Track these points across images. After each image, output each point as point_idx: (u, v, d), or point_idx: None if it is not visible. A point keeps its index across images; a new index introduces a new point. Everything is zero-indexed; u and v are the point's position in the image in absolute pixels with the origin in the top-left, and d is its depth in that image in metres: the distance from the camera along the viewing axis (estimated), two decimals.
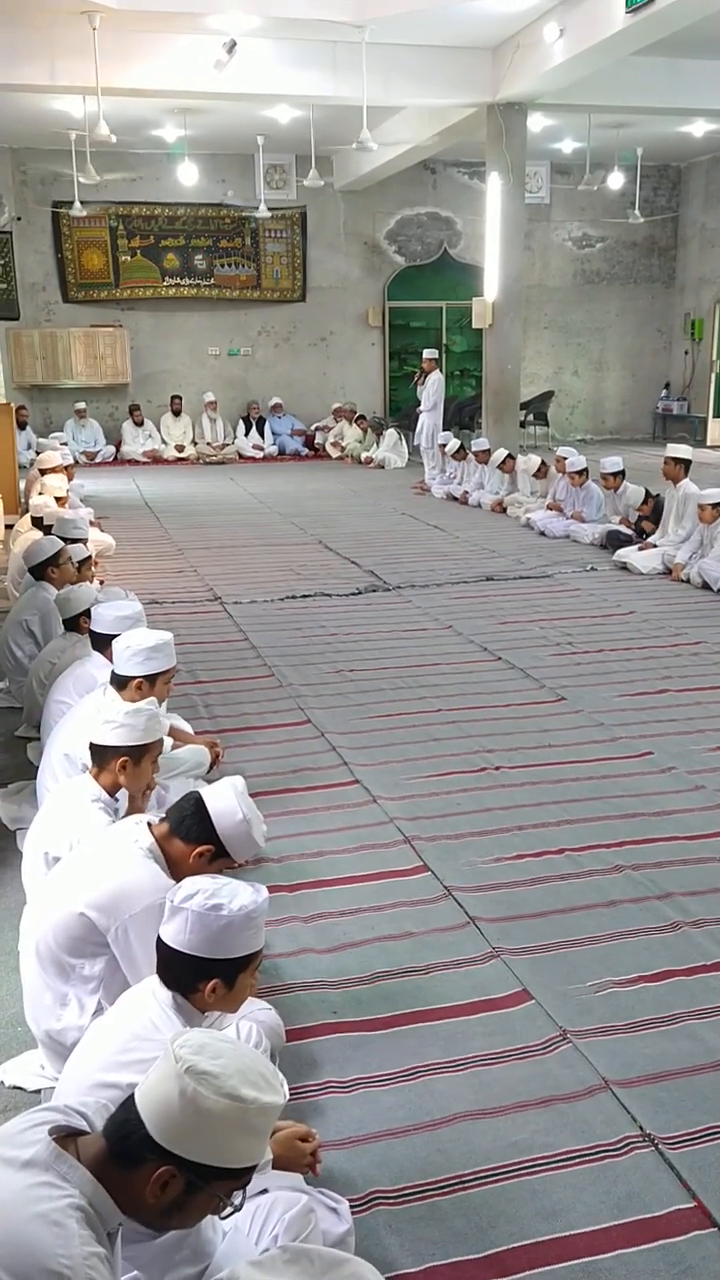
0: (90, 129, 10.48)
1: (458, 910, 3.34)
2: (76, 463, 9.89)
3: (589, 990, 2.91)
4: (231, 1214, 1.55)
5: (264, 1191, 1.96)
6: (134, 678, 3.49)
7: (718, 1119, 2.42)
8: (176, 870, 2.48)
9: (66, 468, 9.44)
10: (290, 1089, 2.50)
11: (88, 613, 4.42)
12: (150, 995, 2.07)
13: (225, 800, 2.48)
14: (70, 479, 9.20)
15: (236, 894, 2.03)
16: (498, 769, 4.45)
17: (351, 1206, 2.10)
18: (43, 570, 5.38)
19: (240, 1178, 1.52)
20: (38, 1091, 2.54)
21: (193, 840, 2.48)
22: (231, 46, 9.99)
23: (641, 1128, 2.40)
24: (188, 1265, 1.78)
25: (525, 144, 12.31)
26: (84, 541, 6.05)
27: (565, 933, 3.19)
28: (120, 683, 3.51)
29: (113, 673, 3.55)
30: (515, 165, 12.10)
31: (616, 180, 15.64)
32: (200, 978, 2.02)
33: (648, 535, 8.56)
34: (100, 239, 15.94)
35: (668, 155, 16.69)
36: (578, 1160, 2.31)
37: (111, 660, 3.64)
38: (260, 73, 10.70)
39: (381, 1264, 2.05)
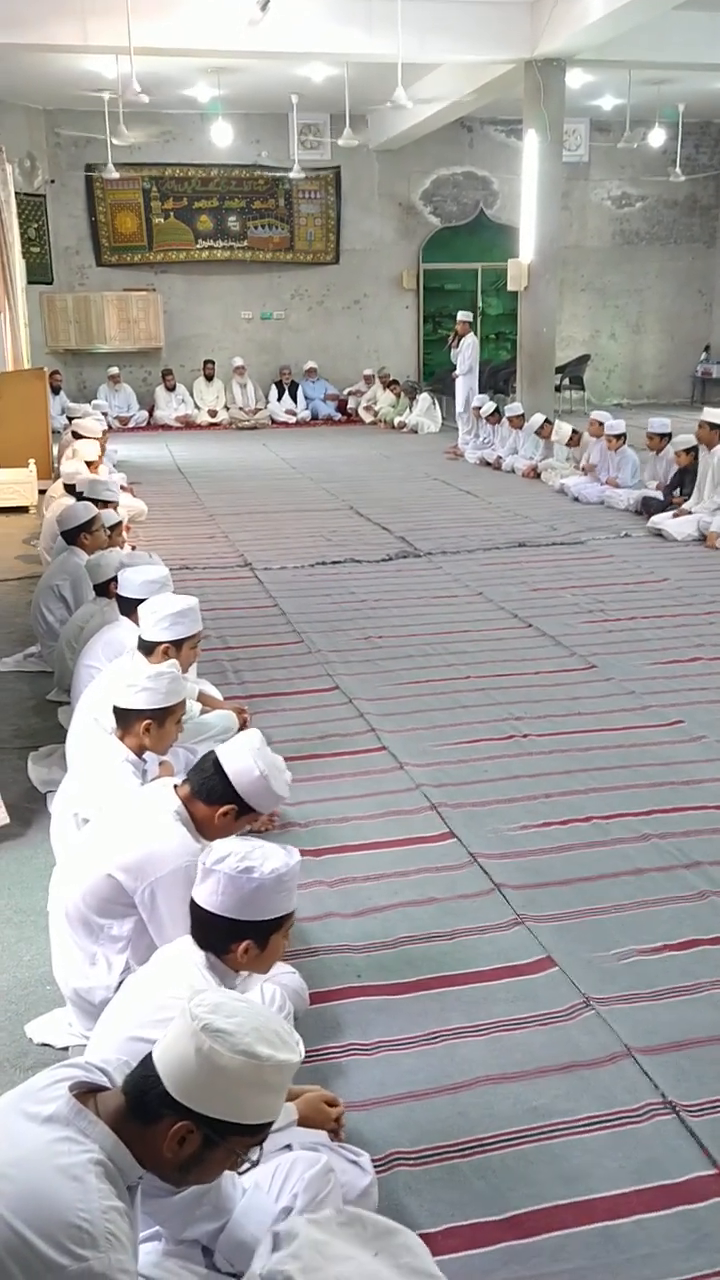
0: (123, 89, 10.38)
1: (483, 877, 3.34)
2: (110, 429, 9.86)
3: (613, 958, 2.91)
4: (249, 1169, 1.58)
5: (287, 1147, 1.99)
6: (160, 643, 3.50)
7: None
8: (205, 831, 2.51)
9: (101, 434, 9.43)
10: (313, 1051, 2.53)
11: (117, 578, 4.43)
12: (185, 955, 2.09)
13: (241, 759, 2.49)
14: (104, 446, 9.19)
15: (268, 857, 2.04)
16: (525, 736, 4.43)
17: (373, 1166, 2.12)
18: (75, 536, 5.40)
19: (257, 1134, 1.54)
20: (65, 1048, 2.58)
21: (215, 801, 2.50)
22: (265, 3, 9.83)
23: (663, 1095, 2.40)
24: (208, 1220, 1.81)
25: (564, 101, 12.05)
26: (114, 505, 6.05)
27: (591, 900, 3.19)
28: (147, 648, 3.52)
29: (139, 638, 3.57)
30: (553, 123, 11.85)
31: (657, 138, 15.30)
32: (233, 939, 2.04)
33: (682, 495, 8.43)
34: (134, 201, 15.84)
35: (710, 112, 16.27)
36: (598, 1126, 2.32)
37: (139, 625, 3.66)
38: (294, 30, 10.52)
39: (401, 1223, 2.07)
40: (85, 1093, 1.52)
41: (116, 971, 2.52)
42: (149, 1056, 1.53)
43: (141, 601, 3.72)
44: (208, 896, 2.04)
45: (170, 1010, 1.94)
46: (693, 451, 8.48)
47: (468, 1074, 2.48)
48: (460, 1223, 2.09)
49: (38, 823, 3.71)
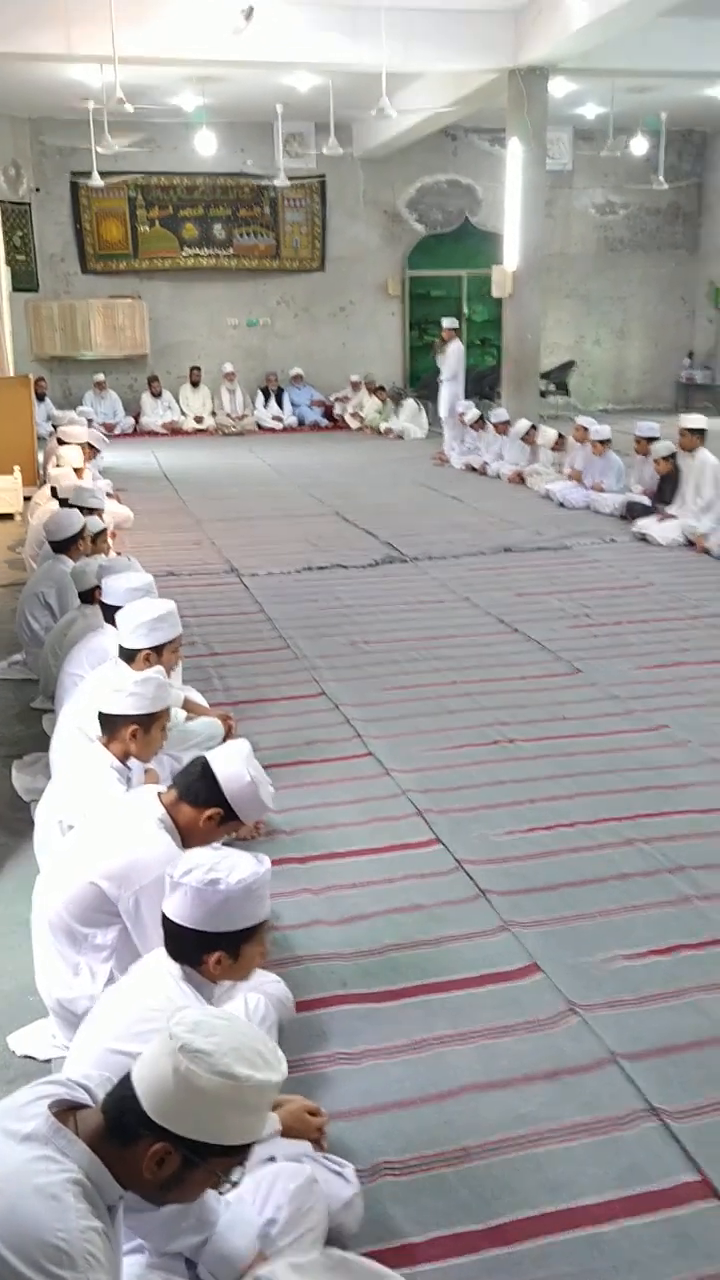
0: (107, 98, 10.38)
1: (468, 883, 3.33)
2: (96, 450, 9.85)
3: (598, 964, 2.90)
4: (231, 1190, 1.55)
5: (271, 1159, 1.98)
6: (141, 650, 3.48)
7: None
8: (188, 836, 2.49)
9: (87, 445, 9.41)
10: (298, 1060, 2.51)
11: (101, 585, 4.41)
12: (161, 968, 2.08)
13: (232, 764, 2.49)
14: (89, 459, 9.16)
15: (236, 867, 2.02)
16: (511, 742, 4.43)
17: (358, 1177, 2.10)
18: (67, 545, 5.37)
19: (237, 1155, 1.51)
20: (48, 1061, 2.56)
21: (201, 804, 2.49)
22: (249, 13, 9.84)
23: (648, 1101, 2.39)
24: (192, 1234, 1.79)
25: (547, 109, 12.10)
26: (99, 512, 6.03)
27: (576, 906, 3.18)
28: (128, 656, 3.50)
29: (120, 646, 3.55)
30: (536, 131, 11.90)
31: (640, 146, 15.36)
32: (203, 950, 2.03)
33: (667, 504, 8.45)
34: (119, 209, 15.83)
35: (692, 120, 16.36)
36: (583, 1133, 2.31)
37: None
38: (278, 39, 10.54)
39: (386, 1233, 2.07)
40: (65, 1110, 1.50)
41: (100, 981, 2.49)
42: (128, 1076, 1.51)
43: None
44: (176, 909, 2.03)
45: (149, 1022, 1.93)
46: (671, 458, 8.51)
47: (454, 1082, 2.47)
48: (445, 1232, 2.08)
49: (22, 832, 3.68)
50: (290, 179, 15.13)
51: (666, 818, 3.74)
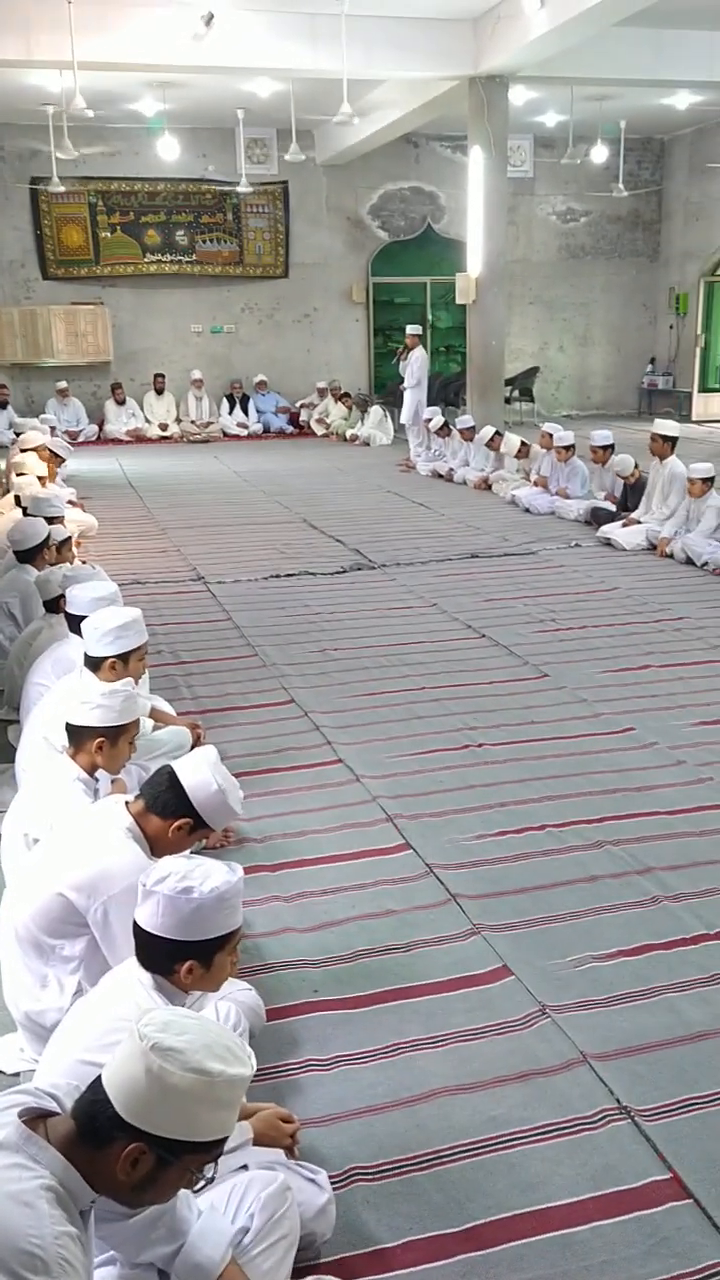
0: (67, 104, 10.34)
1: (439, 888, 3.34)
2: (60, 459, 9.80)
3: (568, 965, 2.92)
4: (205, 1187, 1.56)
5: (244, 1168, 1.98)
6: (107, 658, 3.47)
7: (694, 1090, 2.45)
8: (156, 846, 2.49)
9: (53, 455, 9.35)
10: (270, 1068, 2.52)
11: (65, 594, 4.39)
12: (132, 977, 2.07)
13: (199, 772, 2.48)
14: (54, 468, 9.10)
15: (209, 875, 2.03)
16: (480, 746, 4.45)
17: (331, 1183, 2.11)
18: (33, 555, 5.34)
19: (211, 1150, 1.53)
20: (17, 1074, 2.54)
21: (169, 814, 2.48)
22: (209, 19, 9.86)
23: (618, 1100, 2.42)
24: (163, 1244, 1.79)
25: (507, 117, 12.19)
26: (62, 520, 6.00)
27: (546, 908, 3.20)
28: (94, 664, 3.49)
29: (85, 654, 3.54)
30: (497, 139, 11.99)
31: (600, 154, 15.51)
32: (175, 959, 2.03)
33: (631, 511, 8.55)
34: (80, 215, 15.75)
35: (651, 128, 16.56)
36: (555, 1134, 2.33)
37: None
38: (239, 45, 10.55)
39: (359, 1239, 2.07)
40: (35, 1119, 1.50)
41: (69, 993, 2.48)
42: (98, 1079, 1.52)
43: None
44: (148, 918, 2.03)
45: (119, 1033, 1.92)
46: (636, 469, 8.62)
47: (426, 1086, 2.48)
48: (419, 1236, 2.09)
49: None
50: (252, 185, 15.15)
51: (634, 819, 3.77)
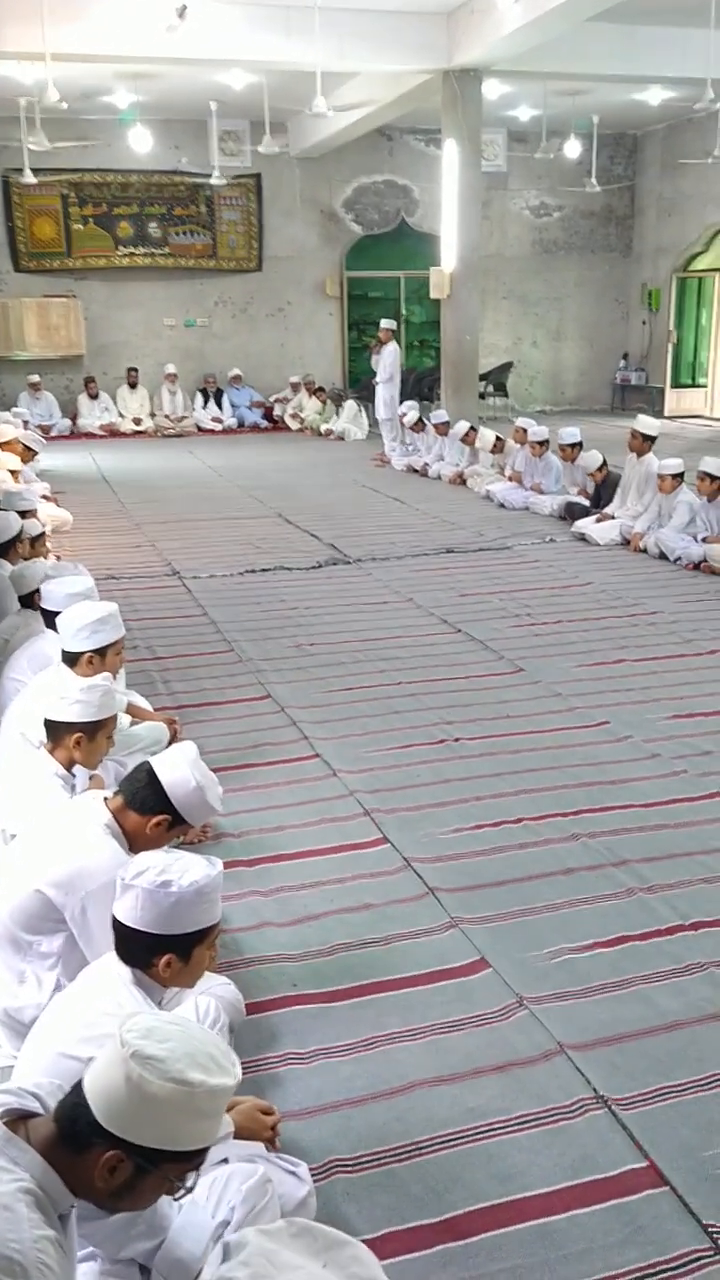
0: (39, 95, 10.26)
1: (417, 881, 3.36)
2: (33, 453, 9.75)
3: (545, 957, 2.95)
4: (184, 1195, 1.56)
5: (224, 1161, 1.98)
6: (84, 653, 3.47)
7: (669, 1079, 2.48)
8: (135, 843, 2.49)
9: (26, 449, 9.29)
10: (250, 1061, 2.52)
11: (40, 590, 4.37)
12: (111, 971, 2.07)
13: (177, 769, 2.48)
14: (26, 461, 9.04)
15: (188, 869, 2.03)
16: (457, 740, 4.47)
17: (311, 1175, 2.12)
18: (4, 549, 5.30)
19: (191, 1160, 1.52)
20: None
21: (148, 811, 2.48)
22: (183, 10, 9.80)
23: (595, 1090, 2.44)
24: (144, 1239, 1.79)
25: (481, 111, 12.21)
26: (35, 515, 5.97)
27: (523, 901, 3.23)
28: (71, 659, 3.48)
29: (62, 650, 3.53)
30: (471, 133, 12.00)
31: (573, 148, 15.56)
32: (154, 953, 2.03)
33: (604, 505, 8.59)
34: (52, 207, 15.63)
35: (624, 123, 16.63)
36: (533, 1124, 2.35)
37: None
38: (212, 37, 10.50)
39: (340, 1230, 2.08)
40: (17, 1119, 1.49)
41: (47, 989, 2.47)
42: (80, 1084, 1.50)
43: None
44: (127, 912, 2.03)
45: (100, 1026, 1.93)
46: (604, 467, 8.67)
47: (405, 1078, 2.50)
48: (398, 1227, 2.10)
49: None
50: (226, 177, 15.08)
51: (609, 812, 3.80)
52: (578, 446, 9.18)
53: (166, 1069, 1.46)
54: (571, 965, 2.91)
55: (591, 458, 8.80)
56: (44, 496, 8.84)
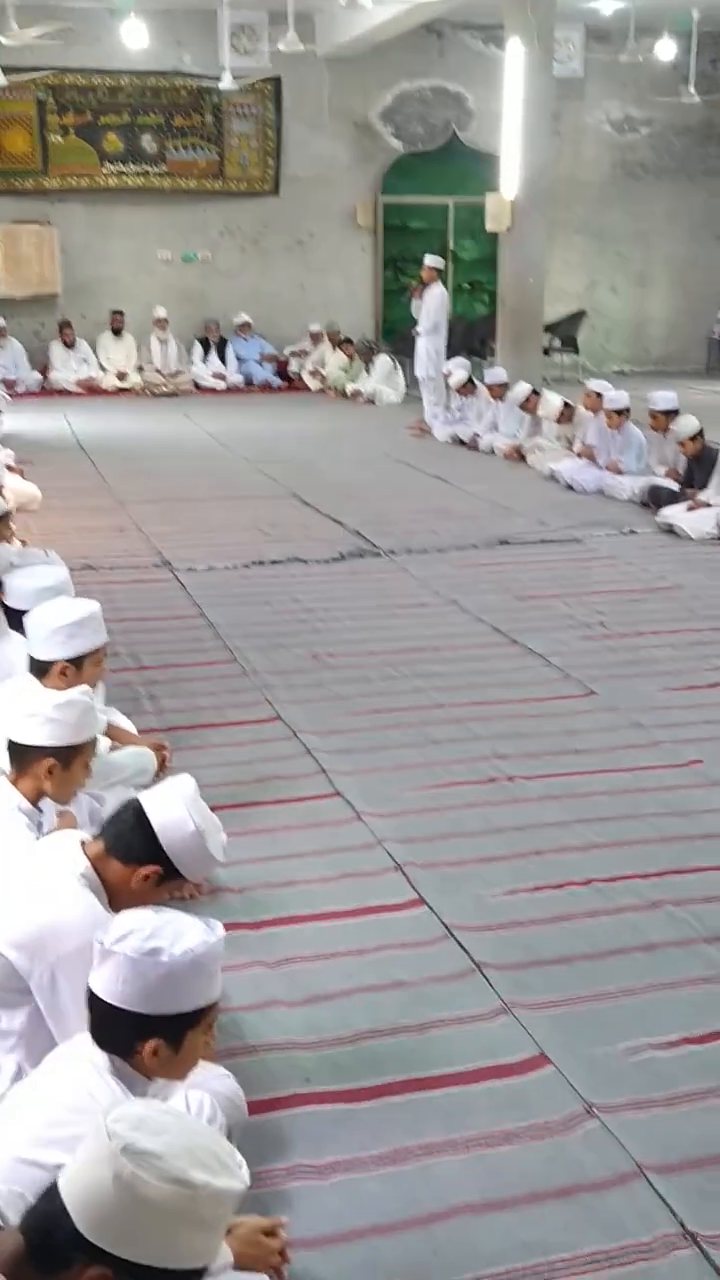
0: None
1: (460, 954, 3.35)
2: None
3: (621, 1054, 2.93)
4: None
5: None
6: (56, 662, 3.48)
7: None
8: (117, 898, 2.50)
9: None
10: (253, 1174, 2.51)
11: (3, 583, 4.40)
12: (83, 1057, 2.08)
13: (172, 809, 2.49)
14: None
15: (182, 934, 2.04)
16: (511, 779, 4.47)
17: None
18: None
19: None
20: None
21: (135, 860, 2.50)
22: None
23: (682, 1224, 2.42)
24: None
25: (554, 2, 12.24)
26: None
27: (592, 983, 3.22)
28: (41, 669, 3.50)
29: (30, 657, 3.54)
30: (541, 29, 12.05)
31: (666, 50, 15.59)
32: (138, 1037, 2.04)
33: (698, 489, 8.56)
34: (25, 115, 15.81)
35: None
36: (604, 1264, 2.33)
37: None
38: None
39: None
40: None
41: (6, 1077, 2.49)
42: (54, 1187, 1.50)
43: None
44: (106, 985, 2.03)
45: (67, 1126, 1.94)
46: (699, 437, 8.62)
47: (444, 1201, 2.48)
48: None
49: None
50: (238, 81, 15.16)
51: (701, 874, 3.79)
52: (673, 414, 9.12)
53: (164, 1167, 1.46)
54: (653, 1065, 2.89)
55: (686, 423, 8.73)
56: (7, 467, 8.91)
